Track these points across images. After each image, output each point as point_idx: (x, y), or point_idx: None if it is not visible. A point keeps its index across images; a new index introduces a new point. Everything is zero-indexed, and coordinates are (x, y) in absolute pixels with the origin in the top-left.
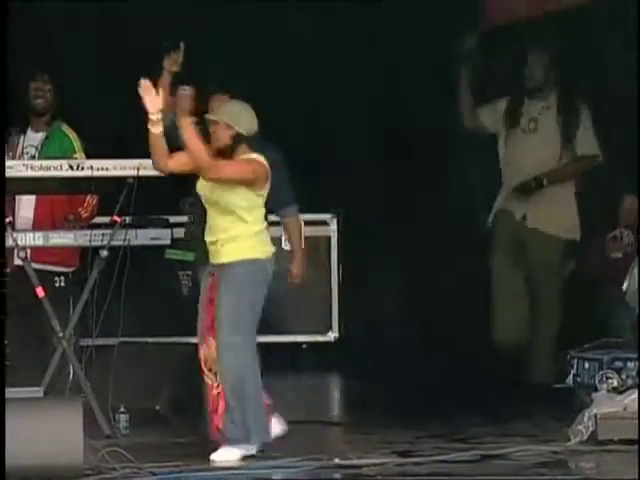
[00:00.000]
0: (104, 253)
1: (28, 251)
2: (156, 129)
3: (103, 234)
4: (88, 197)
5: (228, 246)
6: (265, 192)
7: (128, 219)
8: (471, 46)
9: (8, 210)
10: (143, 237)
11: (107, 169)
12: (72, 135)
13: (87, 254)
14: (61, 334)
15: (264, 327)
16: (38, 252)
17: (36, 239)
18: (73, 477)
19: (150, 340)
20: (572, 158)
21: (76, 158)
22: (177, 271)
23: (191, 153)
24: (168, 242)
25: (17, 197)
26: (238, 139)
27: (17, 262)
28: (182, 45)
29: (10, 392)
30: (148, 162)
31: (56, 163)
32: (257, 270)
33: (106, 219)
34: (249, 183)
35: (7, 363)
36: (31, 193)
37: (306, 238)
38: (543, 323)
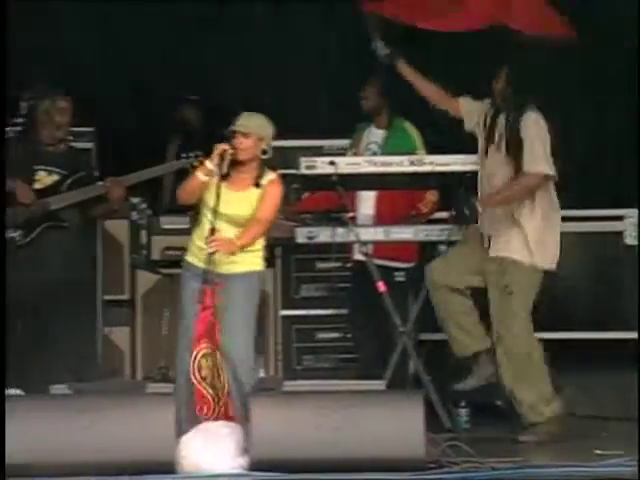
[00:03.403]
0: (443, 248)
1: (369, 246)
2: None
3: (442, 229)
4: (428, 193)
5: (240, 257)
6: None
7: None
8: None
9: (350, 206)
10: None
11: (447, 164)
12: (413, 132)
13: (425, 249)
14: (402, 329)
15: (581, 325)
16: (379, 247)
17: (377, 234)
18: (415, 470)
19: None
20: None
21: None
22: None
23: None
24: None
25: (358, 193)
26: (264, 153)
27: (358, 257)
28: None
29: (354, 385)
30: None
31: (397, 159)
32: (255, 282)
33: (445, 214)
34: None
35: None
36: (373, 189)
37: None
38: None
